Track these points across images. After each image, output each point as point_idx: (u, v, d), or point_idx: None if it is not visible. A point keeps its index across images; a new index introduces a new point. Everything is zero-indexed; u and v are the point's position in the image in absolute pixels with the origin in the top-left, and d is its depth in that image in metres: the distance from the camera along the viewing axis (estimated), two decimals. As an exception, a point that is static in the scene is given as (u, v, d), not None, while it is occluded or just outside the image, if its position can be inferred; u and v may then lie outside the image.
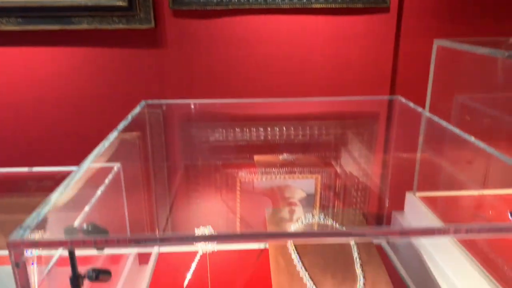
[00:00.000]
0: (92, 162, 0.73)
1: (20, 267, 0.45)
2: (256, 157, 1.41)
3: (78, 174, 0.67)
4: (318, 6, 1.22)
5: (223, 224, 1.34)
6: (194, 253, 1.18)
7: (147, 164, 1.31)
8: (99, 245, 0.48)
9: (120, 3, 1.20)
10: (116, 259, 1.15)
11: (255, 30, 1.25)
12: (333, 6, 1.22)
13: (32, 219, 0.51)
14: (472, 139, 0.83)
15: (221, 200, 1.41)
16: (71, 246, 0.47)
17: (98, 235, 0.48)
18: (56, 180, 1.31)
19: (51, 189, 1.32)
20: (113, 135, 0.85)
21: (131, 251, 1.18)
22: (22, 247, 0.45)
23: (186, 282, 0.85)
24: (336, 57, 1.28)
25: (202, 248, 0.82)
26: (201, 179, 1.43)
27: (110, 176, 1.05)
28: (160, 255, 1.21)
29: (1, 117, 1.30)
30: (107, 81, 1.29)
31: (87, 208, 0.86)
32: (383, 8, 1.24)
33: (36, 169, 1.19)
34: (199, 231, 0.88)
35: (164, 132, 1.35)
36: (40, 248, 0.46)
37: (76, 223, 0.59)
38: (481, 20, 1.26)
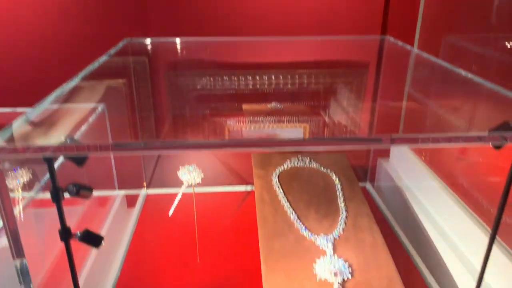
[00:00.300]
0: (59, 98, 0.69)
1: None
2: (245, 106, 1.39)
3: (53, 95, 0.65)
4: None
5: (210, 167, 1.35)
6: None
7: (133, 110, 1.29)
8: (80, 151, 0.47)
9: None
10: (103, 201, 1.16)
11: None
12: None
13: (3, 132, 0.50)
14: (462, 72, 0.81)
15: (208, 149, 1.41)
16: (52, 152, 0.47)
17: (77, 142, 0.47)
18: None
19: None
20: (93, 66, 0.82)
21: (119, 193, 1.18)
22: (2, 152, 0.45)
23: (171, 211, 0.85)
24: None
25: (187, 179, 0.82)
26: (189, 128, 1.42)
27: (94, 116, 1.03)
28: (148, 197, 1.23)
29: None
30: (89, 20, 1.24)
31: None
32: None
33: (20, 109, 1.16)
34: (183, 169, 0.88)
35: (150, 79, 1.32)
36: (21, 155, 0.46)
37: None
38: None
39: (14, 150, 0.45)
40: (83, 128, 0.94)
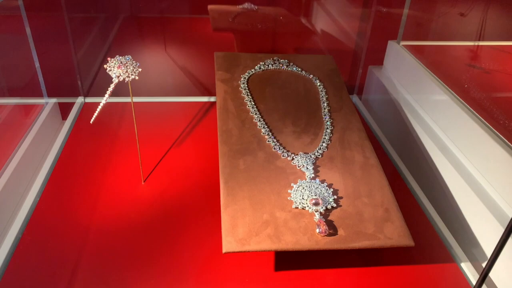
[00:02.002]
0: None
1: None
2: (210, 7, 1.13)
3: None
4: None
5: (162, 72, 1.11)
6: (119, 104, 0.96)
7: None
8: None
9: None
10: (27, 109, 0.92)
11: None
12: None
13: None
14: None
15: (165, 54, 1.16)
16: None
17: None
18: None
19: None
20: None
21: (48, 101, 0.94)
22: None
23: (93, 118, 0.62)
24: None
25: (117, 74, 0.58)
26: (145, 32, 1.15)
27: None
28: (85, 106, 0.98)
29: None
30: None
31: None
32: None
33: None
34: (113, 61, 0.63)
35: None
36: None
37: None
38: None
39: None
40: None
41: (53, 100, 0.96)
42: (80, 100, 1.00)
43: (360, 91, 1.10)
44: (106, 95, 0.60)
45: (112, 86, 0.60)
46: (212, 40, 1.15)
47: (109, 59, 0.61)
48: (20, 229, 0.64)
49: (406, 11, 1.01)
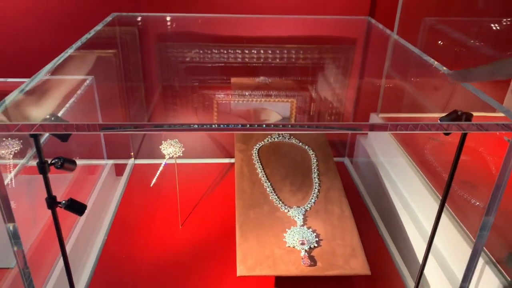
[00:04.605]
0: (48, 72, 0.73)
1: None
2: (233, 79, 1.43)
3: (29, 81, 0.68)
4: None
5: (194, 138, 1.40)
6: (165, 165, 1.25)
7: (123, 81, 1.33)
8: (68, 131, 0.52)
9: None
10: (93, 169, 1.22)
11: None
12: None
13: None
14: (434, 63, 0.85)
15: (197, 120, 1.45)
16: (41, 127, 0.52)
17: (65, 121, 0.52)
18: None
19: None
20: (81, 41, 0.86)
21: (107, 162, 1.24)
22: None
23: (153, 182, 0.91)
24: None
25: (168, 152, 0.88)
26: (178, 100, 1.46)
27: (82, 88, 1.07)
28: (135, 167, 1.29)
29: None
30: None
31: (60, 114, 0.90)
32: None
33: (10, 79, 1.20)
34: (166, 144, 0.93)
35: (140, 50, 1.35)
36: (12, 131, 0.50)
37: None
38: None
39: (4, 127, 0.50)
40: (72, 100, 0.98)
41: (111, 161, 1.26)
42: (131, 161, 1.30)
43: (350, 154, 1.37)
44: (161, 167, 0.89)
45: (165, 160, 0.89)
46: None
47: (163, 141, 0.91)
48: (92, 267, 0.91)
49: (383, 86, 1.28)
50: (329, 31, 1.35)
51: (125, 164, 1.29)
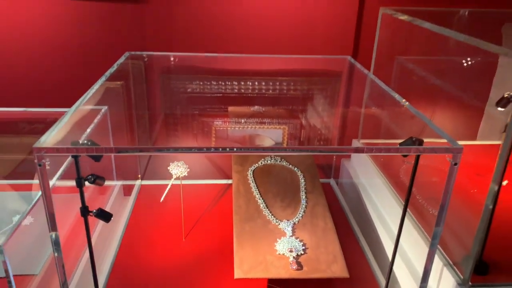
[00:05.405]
0: (82, 104, 0.89)
1: (42, 166, 0.64)
2: (230, 108, 1.58)
3: (71, 111, 0.84)
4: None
5: (196, 161, 1.54)
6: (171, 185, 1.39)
7: (130, 110, 1.48)
8: (99, 152, 0.67)
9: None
10: (103, 190, 1.35)
11: (231, -12, 1.38)
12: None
13: (47, 135, 0.69)
14: (402, 100, 1.00)
15: (197, 145, 1.60)
16: (76, 151, 0.66)
17: (96, 144, 0.67)
18: (47, 123, 1.46)
19: (42, 131, 1.48)
20: (101, 80, 1.01)
21: (117, 183, 1.38)
22: (43, 151, 0.64)
23: (162, 198, 1.05)
24: (306, 18, 1.43)
25: (175, 172, 1.02)
26: (180, 126, 1.61)
27: (98, 117, 1.22)
28: (142, 187, 1.42)
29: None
30: (93, 32, 1.43)
31: (81, 140, 1.04)
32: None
33: (30, 109, 1.35)
34: (173, 164, 1.08)
35: (146, 82, 1.51)
36: (55, 153, 0.65)
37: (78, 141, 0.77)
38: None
39: (55, 150, 0.65)
40: (91, 127, 1.13)
41: (120, 182, 1.39)
42: (138, 182, 1.44)
43: (336, 176, 1.52)
44: (168, 186, 1.03)
45: (172, 180, 1.03)
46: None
47: (171, 163, 1.05)
48: (106, 275, 1.03)
49: (362, 115, 1.45)
50: (317, 66, 1.53)
51: (133, 185, 1.42)
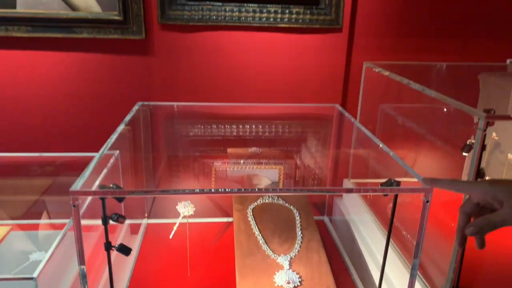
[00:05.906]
0: (107, 149, 1.02)
1: (76, 207, 0.75)
2: (229, 150, 1.71)
3: (97, 157, 0.96)
4: (282, 25, 1.51)
5: (199, 201, 1.65)
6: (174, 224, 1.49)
7: (137, 153, 1.60)
8: (123, 195, 0.78)
9: (116, 17, 1.44)
10: (112, 229, 1.44)
11: (230, 43, 1.55)
12: (295, 26, 1.52)
13: (79, 180, 0.81)
14: (381, 144, 1.13)
15: (198, 185, 1.71)
16: (103, 194, 0.78)
17: (120, 188, 0.78)
18: (56, 166, 1.57)
19: (52, 173, 1.59)
20: (120, 127, 1.14)
21: (126, 222, 1.47)
22: (77, 194, 0.76)
23: (171, 235, 1.16)
24: (299, 71, 1.59)
25: (182, 211, 1.13)
26: (182, 167, 1.73)
27: (112, 161, 1.34)
28: (148, 226, 1.52)
29: (10, 111, 1.56)
30: (104, 83, 1.56)
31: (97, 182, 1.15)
32: (337, 29, 1.54)
33: (45, 154, 1.46)
34: (180, 204, 1.19)
35: (151, 128, 1.64)
36: (87, 196, 0.77)
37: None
38: (423, 39, 1.57)
39: (87, 193, 0.77)
40: (105, 171, 1.25)
41: (128, 221, 1.49)
42: (145, 221, 1.53)
43: (329, 213, 1.63)
44: (177, 224, 1.13)
45: (180, 219, 1.13)
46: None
47: (178, 203, 1.16)
48: None
49: (351, 157, 1.58)
50: (310, 111, 1.68)
51: (139, 224, 1.52)
